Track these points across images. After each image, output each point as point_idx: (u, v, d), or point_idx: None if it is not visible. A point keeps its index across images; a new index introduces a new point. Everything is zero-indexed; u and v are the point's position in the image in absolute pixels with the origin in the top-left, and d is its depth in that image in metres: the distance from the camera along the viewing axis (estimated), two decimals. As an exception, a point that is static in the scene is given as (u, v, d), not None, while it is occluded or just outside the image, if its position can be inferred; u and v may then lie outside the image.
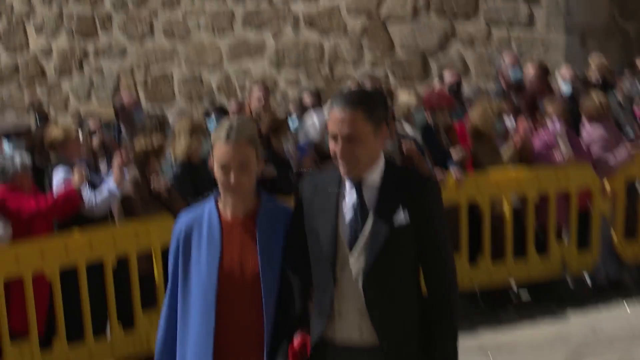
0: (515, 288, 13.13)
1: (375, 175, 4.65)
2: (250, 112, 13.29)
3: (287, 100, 17.45)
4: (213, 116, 13.19)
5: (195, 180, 11.72)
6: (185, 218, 5.02)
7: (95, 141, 13.07)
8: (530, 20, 16.70)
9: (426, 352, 4.69)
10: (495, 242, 12.50)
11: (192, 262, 4.92)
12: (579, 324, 11.91)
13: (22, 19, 20.94)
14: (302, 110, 14.19)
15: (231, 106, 14.57)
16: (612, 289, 13.03)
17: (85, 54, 20.59)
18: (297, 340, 4.69)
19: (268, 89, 14.69)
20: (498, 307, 12.74)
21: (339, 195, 4.70)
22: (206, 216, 4.96)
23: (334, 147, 4.60)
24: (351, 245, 4.65)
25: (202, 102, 17.89)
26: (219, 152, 4.75)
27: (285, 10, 18.63)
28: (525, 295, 13.11)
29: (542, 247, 12.68)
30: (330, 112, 4.68)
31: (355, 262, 4.63)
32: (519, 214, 12.73)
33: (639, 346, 10.92)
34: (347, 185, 4.71)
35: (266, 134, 11.79)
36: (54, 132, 11.55)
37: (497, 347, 11.32)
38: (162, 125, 13.19)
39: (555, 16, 16.60)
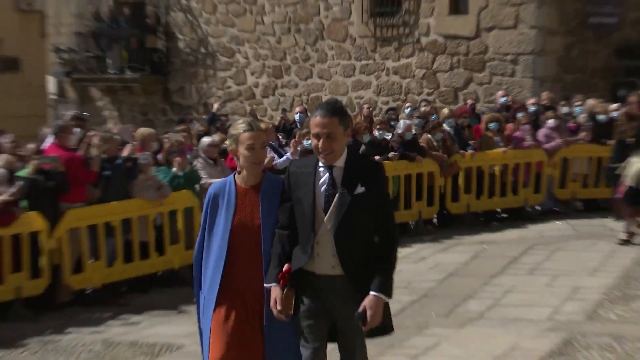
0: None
1: (341, 161, 5.41)
2: (362, 119, 16.38)
3: (382, 114, 19.68)
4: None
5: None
6: (214, 186, 5.84)
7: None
8: (513, 73, 20.52)
9: (374, 276, 5.41)
10: (490, 187, 16.21)
11: (217, 215, 5.69)
12: (532, 231, 15.38)
13: (243, 68, 24.18)
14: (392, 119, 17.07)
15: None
16: (551, 213, 16.66)
17: (275, 86, 23.92)
18: (285, 268, 5.44)
19: (371, 107, 18.50)
20: (490, 222, 16.32)
21: (315, 175, 5.43)
22: (227, 186, 5.71)
23: (316, 143, 5.38)
24: (325, 209, 5.40)
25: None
26: (246, 137, 5.55)
27: (381, 61, 22.22)
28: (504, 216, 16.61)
29: (514, 189, 16.38)
30: (314, 118, 5.39)
31: (329, 220, 5.39)
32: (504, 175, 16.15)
33: (564, 242, 14.12)
34: (321, 168, 5.44)
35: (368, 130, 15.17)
36: (262, 124, 11.80)
37: (489, 241, 14.51)
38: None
39: (527, 71, 20.41)
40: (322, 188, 5.41)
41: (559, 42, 21.18)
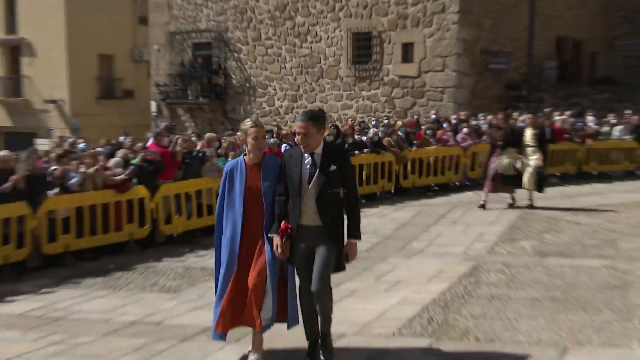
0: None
1: (319, 149, 5.15)
2: (347, 128, 16.11)
3: (360, 123, 18.04)
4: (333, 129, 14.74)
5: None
6: (229, 164, 5.56)
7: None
8: (441, 99, 20.66)
9: (349, 228, 5.28)
10: (427, 170, 15.67)
11: (233, 184, 5.41)
12: (454, 198, 15.07)
13: (272, 96, 23.84)
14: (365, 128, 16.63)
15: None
16: (465, 187, 16.18)
17: (293, 107, 23.45)
18: (283, 225, 5.24)
19: (353, 120, 18.24)
20: (427, 192, 15.66)
21: (301, 159, 5.17)
22: (239, 163, 5.45)
23: (298, 138, 5.15)
24: (309, 181, 5.14)
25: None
26: (252, 131, 5.34)
27: (359, 92, 22.02)
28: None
29: (442, 172, 15.90)
30: (297, 122, 5.16)
31: (311, 189, 5.14)
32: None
33: (473, 205, 13.40)
34: (305, 154, 5.17)
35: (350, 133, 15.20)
36: (283, 131, 14.32)
37: (426, 204, 14.26)
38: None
39: (450, 98, 20.47)
40: (306, 167, 5.20)
41: (470, 80, 20.97)
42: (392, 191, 15.82)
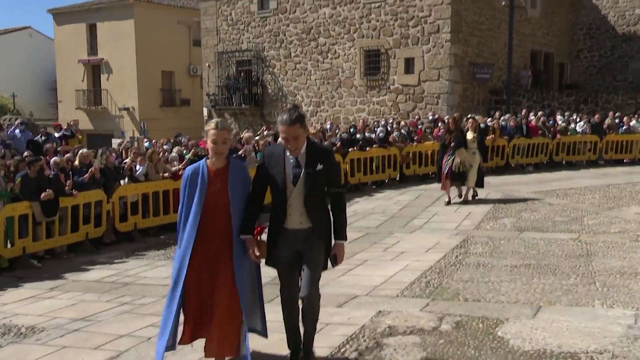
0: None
1: (302, 149, 4.06)
2: (362, 127, 15.56)
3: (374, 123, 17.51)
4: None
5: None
6: (190, 168, 4.16)
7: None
8: (437, 103, 20.10)
9: (336, 230, 4.16)
10: (425, 161, 15.33)
11: (195, 187, 4.05)
12: None
13: (300, 102, 22.97)
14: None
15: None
16: None
17: (317, 111, 22.64)
18: (258, 227, 4.11)
19: (366, 121, 17.55)
20: (426, 179, 15.21)
21: (285, 159, 4.07)
22: (201, 167, 4.10)
23: (285, 142, 4.03)
24: (294, 182, 4.07)
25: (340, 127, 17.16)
26: (211, 134, 4.02)
27: (370, 98, 21.60)
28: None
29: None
30: (281, 126, 3.99)
31: (297, 190, 4.07)
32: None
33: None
34: (287, 153, 4.07)
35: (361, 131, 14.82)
36: (310, 129, 12.79)
37: (425, 189, 13.56)
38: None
39: (444, 102, 20.11)
40: (290, 168, 4.06)
41: (460, 87, 20.48)
42: (397, 178, 15.50)
